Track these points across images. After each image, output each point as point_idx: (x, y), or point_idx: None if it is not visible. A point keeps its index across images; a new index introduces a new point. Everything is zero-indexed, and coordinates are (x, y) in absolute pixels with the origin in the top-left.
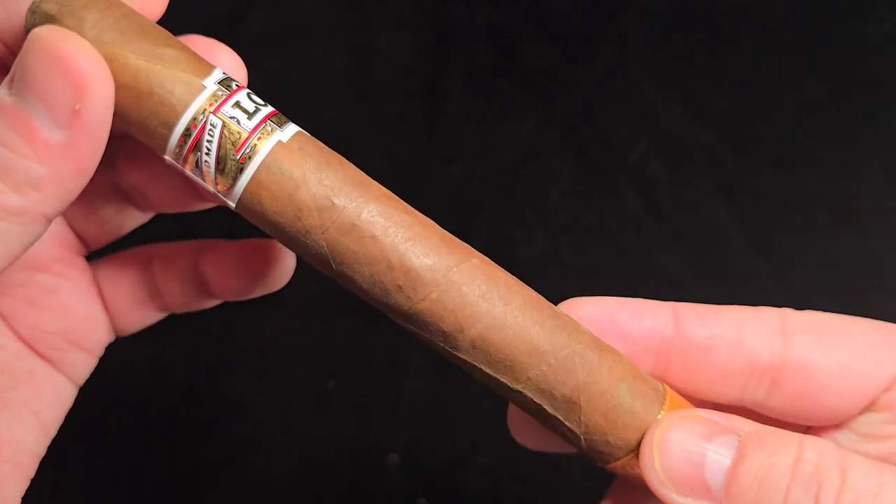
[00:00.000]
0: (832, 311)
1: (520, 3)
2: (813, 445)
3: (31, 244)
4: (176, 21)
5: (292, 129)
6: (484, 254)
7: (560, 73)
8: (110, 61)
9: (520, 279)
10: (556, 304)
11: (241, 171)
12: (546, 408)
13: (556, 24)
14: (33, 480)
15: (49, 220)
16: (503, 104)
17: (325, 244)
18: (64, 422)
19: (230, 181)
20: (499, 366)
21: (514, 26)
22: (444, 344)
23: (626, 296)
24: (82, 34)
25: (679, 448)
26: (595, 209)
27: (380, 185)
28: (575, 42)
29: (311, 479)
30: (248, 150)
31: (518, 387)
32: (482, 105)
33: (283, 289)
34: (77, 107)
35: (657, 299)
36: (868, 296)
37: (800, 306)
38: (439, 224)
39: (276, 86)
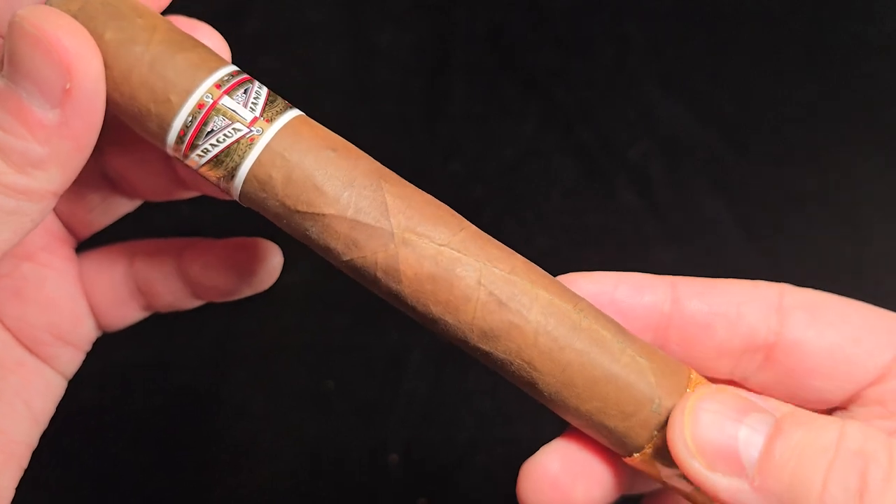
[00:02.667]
0: None
1: (520, 3)
2: (856, 425)
3: (41, 221)
4: None
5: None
6: None
7: (560, 72)
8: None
9: None
10: None
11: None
12: (611, 340)
13: (556, 24)
14: (24, 476)
15: (56, 197)
16: (503, 104)
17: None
18: (62, 423)
19: (276, 113)
20: (568, 293)
21: (514, 26)
22: (501, 269)
23: None
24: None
25: (712, 419)
26: (595, 209)
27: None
28: (575, 42)
29: (311, 479)
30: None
31: (578, 316)
32: (482, 105)
33: (283, 289)
34: (67, 86)
35: None
36: (867, 295)
37: None
38: None
39: (276, 86)
